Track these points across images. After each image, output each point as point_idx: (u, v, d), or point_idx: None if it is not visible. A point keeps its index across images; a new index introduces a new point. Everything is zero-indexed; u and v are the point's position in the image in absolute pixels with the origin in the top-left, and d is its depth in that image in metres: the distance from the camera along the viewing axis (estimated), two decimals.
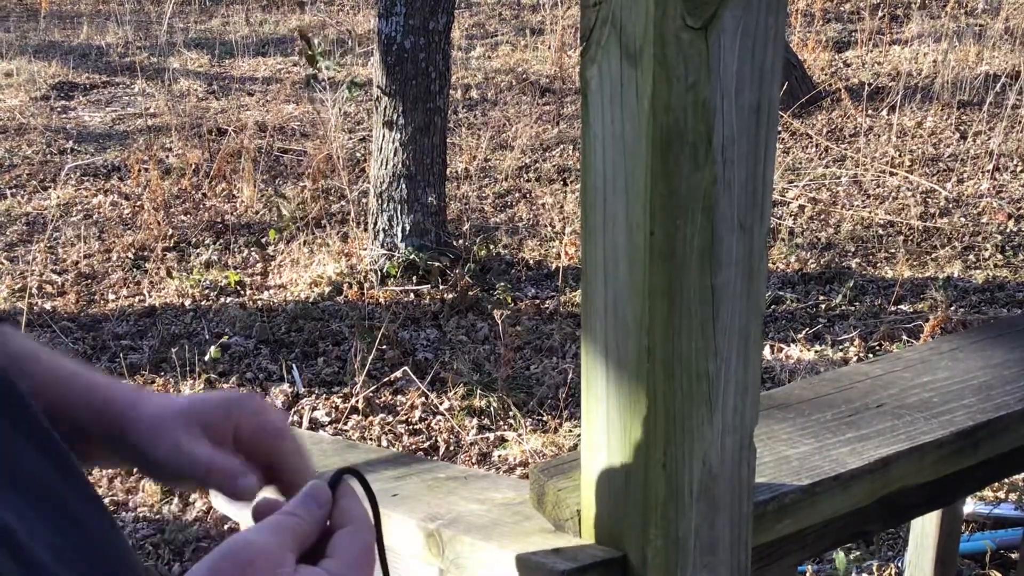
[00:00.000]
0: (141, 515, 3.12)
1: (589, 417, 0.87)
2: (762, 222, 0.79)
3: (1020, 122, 5.92)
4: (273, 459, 0.74)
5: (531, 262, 4.69)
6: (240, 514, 1.71)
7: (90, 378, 0.77)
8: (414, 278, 4.39)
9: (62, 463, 0.60)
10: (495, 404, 3.55)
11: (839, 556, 2.68)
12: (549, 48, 7.83)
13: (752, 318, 0.81)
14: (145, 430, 0.74)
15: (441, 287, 4.35)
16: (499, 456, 3.35)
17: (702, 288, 0.77)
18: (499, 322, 3.82)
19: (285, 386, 3.70)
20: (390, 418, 3.53)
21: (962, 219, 4.97)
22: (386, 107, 4.39)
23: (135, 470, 0.80)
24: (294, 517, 0.62)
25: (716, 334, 0.79)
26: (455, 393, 3.62)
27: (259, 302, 4.34)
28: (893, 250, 4.68)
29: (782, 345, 3.93)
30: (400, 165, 4.40)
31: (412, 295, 4.33)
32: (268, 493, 0.74)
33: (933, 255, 4.64)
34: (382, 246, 4.47)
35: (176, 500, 3.18)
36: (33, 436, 0.59)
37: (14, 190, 5.56)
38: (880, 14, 8.08)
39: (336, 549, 0.62)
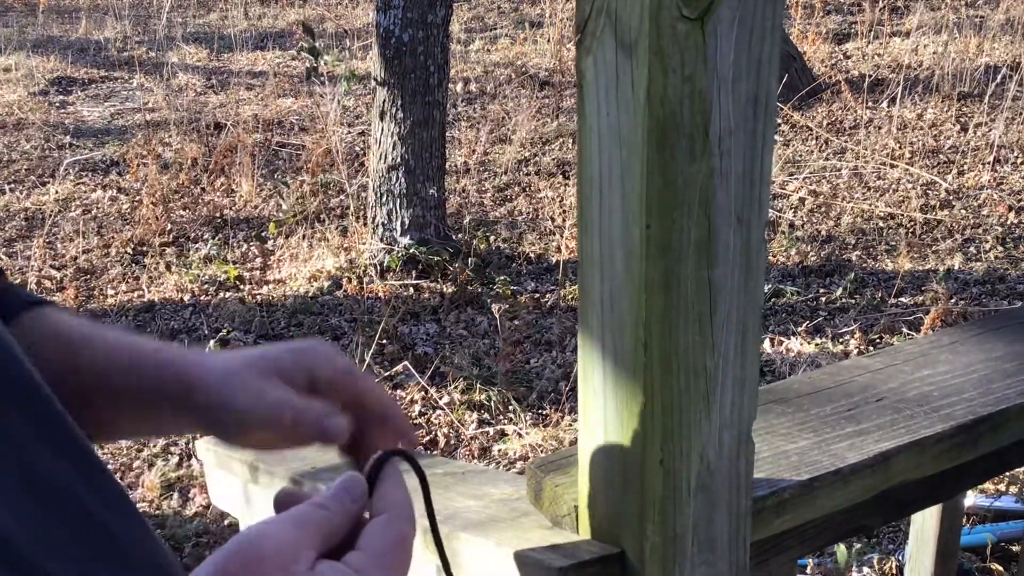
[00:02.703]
0: (141, 510, 3.12)
1: (586, 412, 0.87)
2: (760, 215, 0.78)
3: (1021, 114, 5.90)
4: (356, 398, 0.70)
5: (531, 256, 4.68)
6: (240, 510, 1.70)
7: (144, 346, 0.73)
8: (413, 272, 4.38)
9: (85, 465, 0.57)
10: (495, 398, 3.54)
11: (840, 549, 2.68)
12: (548, 41, 7.82)
13: (750, 312, 0.80)
14: (216, 383, 0.69)
15: (441, 281, 4.34)
16: (499, 450, 3.35)
17: (699, 282, 0.76)
18: (497, 316, 3.82)
19: None
20: None
21: (963, 211, 4.96)
22: (385, 101, 4.38)
23: (200, 433, 0.74)
24: (322, 510, 0.56)
25: (713, 329, 0.78)
26: (455, 387, 3.62)
27: (258, 297, 4.33)
28: (894, 242, 4.67)
29: (783, 338, 3.92)
30: (399, 159, 4.39)
31: (412, 289, 4.32)
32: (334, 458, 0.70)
33: (934, 247, 4.63)
34: (381, 240, 4.46)
35: (176, 495, 3.18)
36: (53, 436, 0.56)
37: (13, 185, 5.56)
38: (880, 5, 8.06)
39: (365, 541, 0.56)
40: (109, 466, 3.25)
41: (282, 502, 0.61)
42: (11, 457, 0.53)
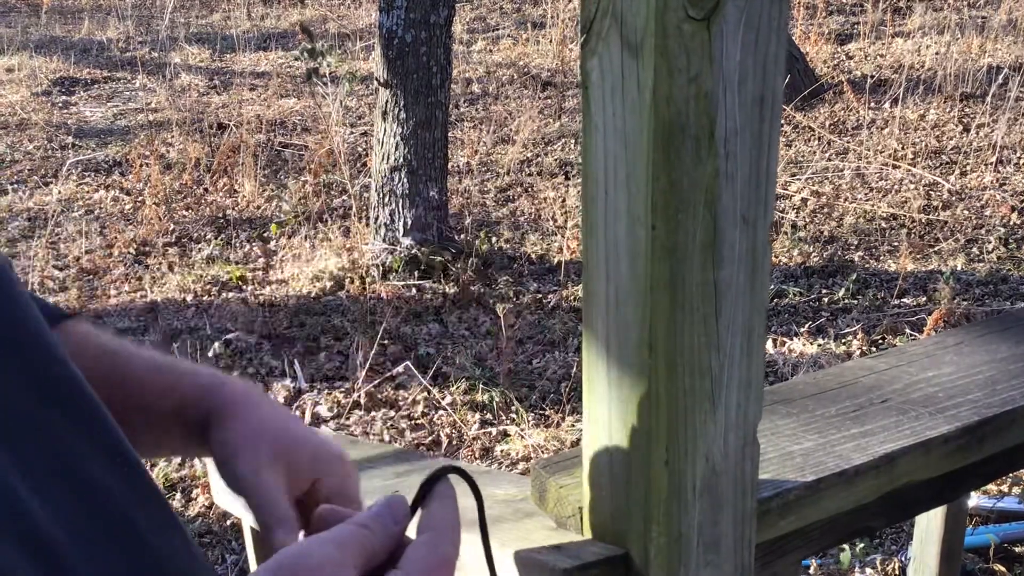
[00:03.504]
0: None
1: (591, 413, 0.86)
2: (765, 216, 0.77)
3: (1023, 114, 5.89)
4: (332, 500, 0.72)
5: (533, 256, 4.67)
6: (242, 510, 1.70)
7: (183, 370, 0.75)
8: (416, 273, 4.38)
9: (131, 473, 0.57)
10: (497, 399, 3.54)
11: (844, 551, 2.67)
12: (551, 42, 7.81)
13: (755, 313, 0.80)
14: (233, 442, 0.71)
15: (443, 282, 4.34)
16: (502, 451, 3.34)
17: (704, 283, 0.76)
18: (501, 316, 3.82)
19: (287, 381, 3.70)
20: (392, 413, 3.53)
21: (965, 212, 4.95)
22: (387, 101, 4.38)
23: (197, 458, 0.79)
24: (364, 530, 0.55)
25: (719, 329, 0.78)
26: (457, 387, 3.61)
27: (261, 297, 4.33)
28: (896, 243, 4.66)
29: (785, 339, 3.92)
30: (402, 159, 4.39)
31: (414, 290, 4.32)
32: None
33: (936, 248, 4.63)
34: (384, 240, 4.46)
35: (179, 495, 3.18)
36: (103, 443, 0.56)
37: (16, 186, 5.56)
38: (882, 6, 8.05)
39: (407, 560, 0.55)
40: None
41: (323, 519, 0.61)
42: (57, 459, 0.52)
